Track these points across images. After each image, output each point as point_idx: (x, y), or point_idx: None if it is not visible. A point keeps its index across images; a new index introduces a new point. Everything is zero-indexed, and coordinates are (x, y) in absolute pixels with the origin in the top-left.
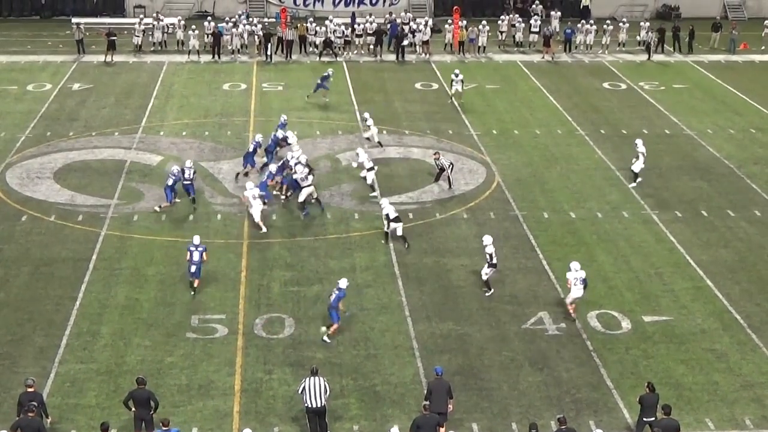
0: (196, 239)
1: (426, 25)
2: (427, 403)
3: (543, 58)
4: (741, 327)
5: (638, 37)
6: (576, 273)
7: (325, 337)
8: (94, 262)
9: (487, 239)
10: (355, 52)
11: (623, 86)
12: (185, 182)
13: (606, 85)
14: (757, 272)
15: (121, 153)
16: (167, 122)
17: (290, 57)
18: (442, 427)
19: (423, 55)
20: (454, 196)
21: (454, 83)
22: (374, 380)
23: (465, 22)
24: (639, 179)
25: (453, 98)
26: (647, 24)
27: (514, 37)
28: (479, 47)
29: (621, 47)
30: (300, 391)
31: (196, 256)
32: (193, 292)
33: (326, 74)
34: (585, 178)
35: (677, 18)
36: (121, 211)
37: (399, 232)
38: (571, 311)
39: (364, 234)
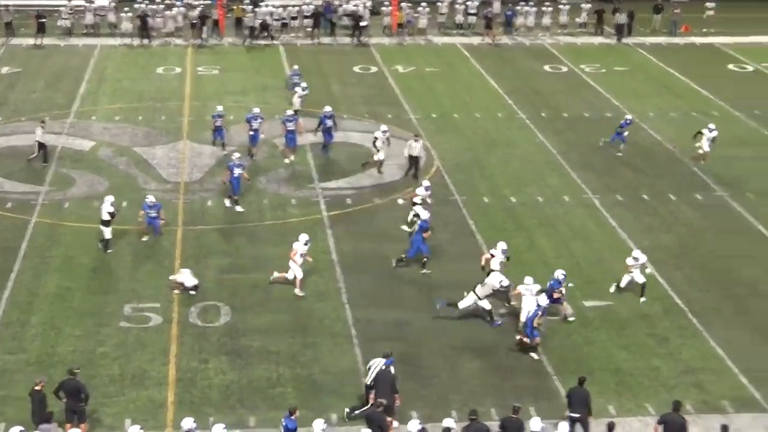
0: (150, 198)
1: (365, 7)
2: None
3: (483, 40)
4: (682, 312)
5: (578, 20)
6: (529, 286)
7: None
8: (24, 251)
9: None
10: (292, 34)
11: (564, 69)
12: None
13: (547, 67)
14: (699, 257)
15: (52, 138)
16: (100, 107)
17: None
18: (391, 418)
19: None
20: (393, 181)
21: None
22: (312, 369)
23: (404, 4)
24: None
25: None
26: (588, 6)
27: (454, 19)
28: (420, 29)
29: (562, 29)
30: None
31: (152, 213)
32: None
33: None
34: (525, 162)
35: (618, 0)
36: (52, 197)
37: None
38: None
39: (302, 220)
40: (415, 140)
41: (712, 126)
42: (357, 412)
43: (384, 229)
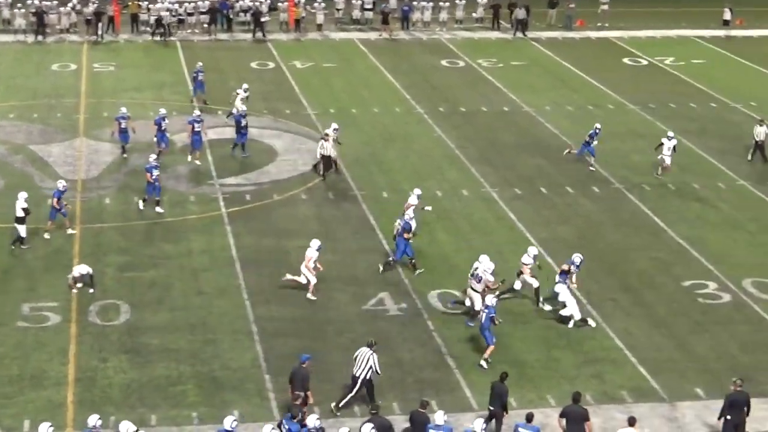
0: (61, 184)
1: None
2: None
3: (380, 36)
4: (581, 303)
5: (474, 15)
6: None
7: (483, 363)
8: None
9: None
10: (189, 31)
11: (461, 63)
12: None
13: (444, 62)
14: (597, 249)
15: None
16: None
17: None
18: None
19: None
20: (292, 177)
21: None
22: (213, 365)
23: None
24: None
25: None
26: (484, 1)
27: (351, 14)
28: (317, 25)
29: (458, 24)
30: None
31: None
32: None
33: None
34: (424, 157)
35: None
36: None
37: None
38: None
39: (201, 217)
40: (325, 139)
41: (671, 134)
42: (344, 401)
43: (283, 224)
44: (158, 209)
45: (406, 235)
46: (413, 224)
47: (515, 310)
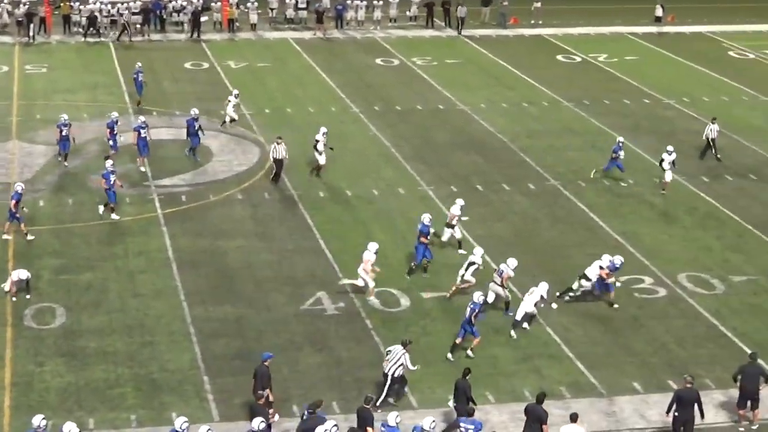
0: (20, 186)
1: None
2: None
3: (315, 35)
4: (518, 300)
5: (408, 13)
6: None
7: (470, 352)
8: None
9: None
10: (119, 31)
11: (396, 62)
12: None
13: (379, 61)
14: (532, 245)
15: None
16: None
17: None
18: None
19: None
20: (228, 177)
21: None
22: (151, 368)
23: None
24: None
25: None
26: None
27: (284, 14)
28: (251, 24)
29: (392, 23)
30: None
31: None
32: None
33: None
34: (360, 156)
35: None
36: None
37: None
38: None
39: (136, 218)
40: (278, 142)
41: (670, 148)
42: (381, 399)
43: (219, 225)
44: (113, 216)
45: (423, 239)
46: (458, 233)
47: (452, 308)
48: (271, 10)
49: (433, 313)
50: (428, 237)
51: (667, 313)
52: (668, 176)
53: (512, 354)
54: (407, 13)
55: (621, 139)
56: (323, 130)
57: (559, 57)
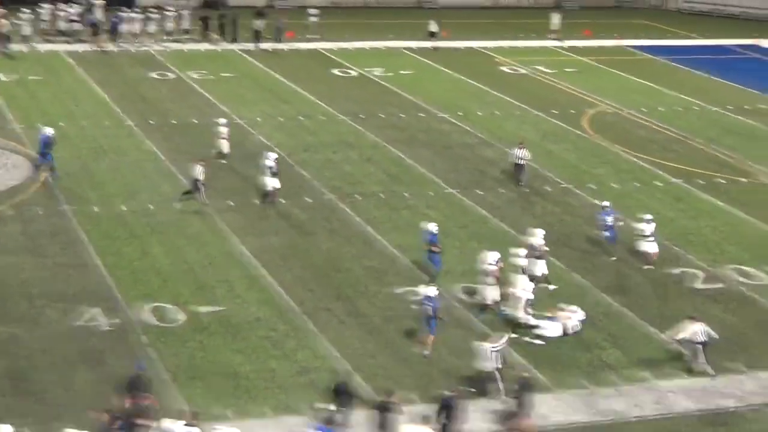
0: None
1: None
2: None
3: (90, 48)
4: (295, 313)
5: (182, 27)
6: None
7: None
8: None
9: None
10: None
11: (171, 75)
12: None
13: (154, 74)
14: (309, 258)
15: None
16: None
17: None
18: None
19: None
20: (11, 187)
21: None
22: None
23: (3, 10)
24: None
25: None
26: (190, 13)
27: (57, 26)
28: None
29: (168, 36)
30: None
31: None
32: None
33: None
34: (135, 170)
35: (224, 7)
36: None
37: None
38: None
39: None
40: (199, 163)
41: (648, 216)
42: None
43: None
44: None
45: (434, 249)
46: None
47: (229, 322)
48: (43, 21)
49: (211, 328)
50: (438, 245)
51: (445, 323)
52: (652, 249)
53: (290, 367)
54: (181, 27)
55: (606, 203)
56: (274, 156)
57: (335, 71)
